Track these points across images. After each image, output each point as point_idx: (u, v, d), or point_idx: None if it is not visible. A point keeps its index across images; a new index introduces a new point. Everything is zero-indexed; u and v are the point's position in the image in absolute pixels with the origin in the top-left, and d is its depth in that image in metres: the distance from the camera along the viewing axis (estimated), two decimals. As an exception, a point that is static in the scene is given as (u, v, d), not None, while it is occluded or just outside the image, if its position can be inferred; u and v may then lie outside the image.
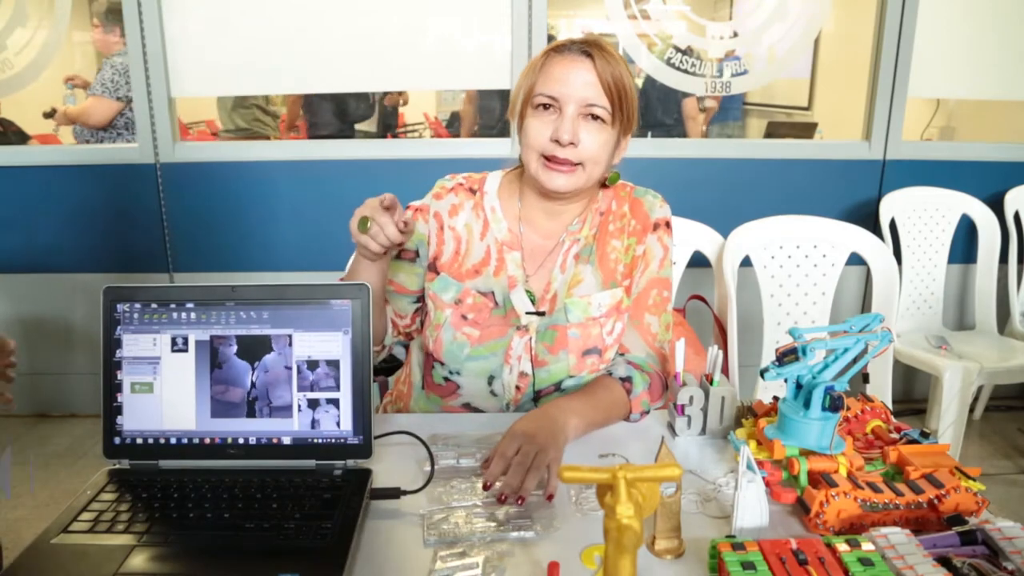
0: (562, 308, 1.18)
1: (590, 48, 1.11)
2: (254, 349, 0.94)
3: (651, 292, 1.21)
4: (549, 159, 1.12)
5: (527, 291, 1.19)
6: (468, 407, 1.21)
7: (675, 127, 3.63)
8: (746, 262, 1.77)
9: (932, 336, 2.48)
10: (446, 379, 1.21)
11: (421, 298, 1.26)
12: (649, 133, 3.60)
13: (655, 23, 2.64)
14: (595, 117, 1.11)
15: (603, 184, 1.23)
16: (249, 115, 3.63)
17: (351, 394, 0.94)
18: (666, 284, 1.23)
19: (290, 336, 0.94)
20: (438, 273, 1.22)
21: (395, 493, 0.87)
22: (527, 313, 1.18)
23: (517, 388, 1.18)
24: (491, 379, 1.18)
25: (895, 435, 0.98)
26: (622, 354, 1.21)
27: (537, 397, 1.19)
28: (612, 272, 1.20)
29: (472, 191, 1.25)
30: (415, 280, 1.25)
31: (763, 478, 0.86)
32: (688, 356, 1.23)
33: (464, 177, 1.27)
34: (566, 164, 1.11)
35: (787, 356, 0.93)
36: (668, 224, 1.24)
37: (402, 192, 1.33)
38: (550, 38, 2.57)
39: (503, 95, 3.20)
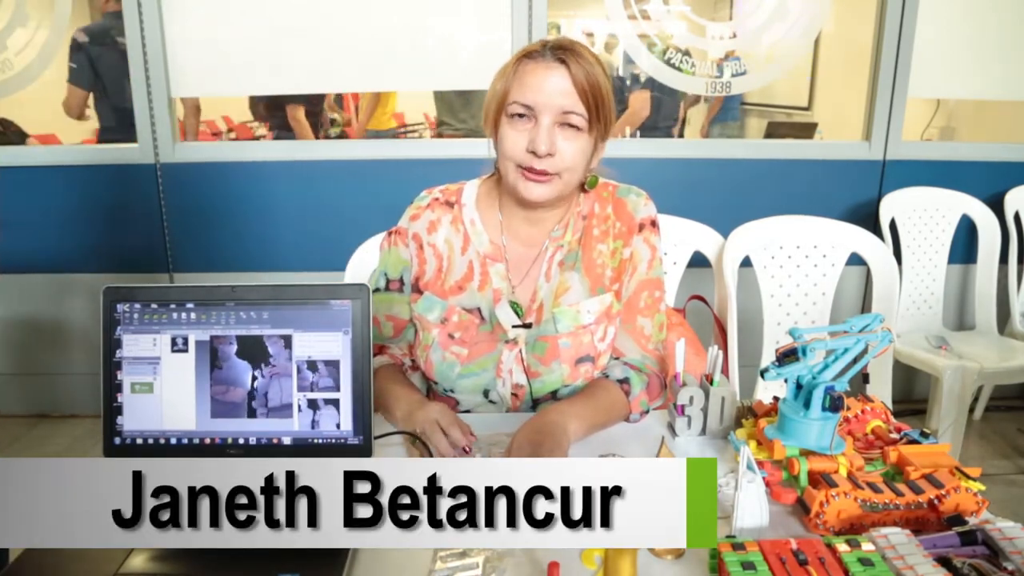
0: (550, 318, 1.16)
1: (565, 54, 1.07)
2: (254, 349, 0.94)
3: (641, 295, 1.20)
4: (526, 169, 1.09)
5: (512, 303, 1.17)
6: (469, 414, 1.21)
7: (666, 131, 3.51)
8: (746, 262, 1.77)
9: (932, 336, 2.48)
10: (444, 394, 1.21)
11: None
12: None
13: (655, 23, 2.63)
14: (571, 125, 1.08)
15: (583, 188, 1.21)
16: (475, 110, 3.45)
17: (351, 394, 0.94)
18: (657, 284, 1.21)
19: (290, 336, 0.94)
20: (422, 293, 1.20)
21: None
22: (513, 326, 1.17)
23: (514, 396, 1.18)
24: (486, 392, 1.18)
25: (895, 435, 0.98)
26: (617, 358, 1.20)
27: (534, 406, 1.18)
28: (599, 277, 1.18)
29: (449, 204, 1.22)
30: (408, 309, 1.23)
31: (763, 478, 0.86)
32: (688, 356, 1.22)
33: (440, 191, 1.24)
34: (543, 175, 1.09)
35: (787, 356, 0.93)
36: (654, 223, 1.21)
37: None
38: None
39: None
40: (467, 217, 1.21)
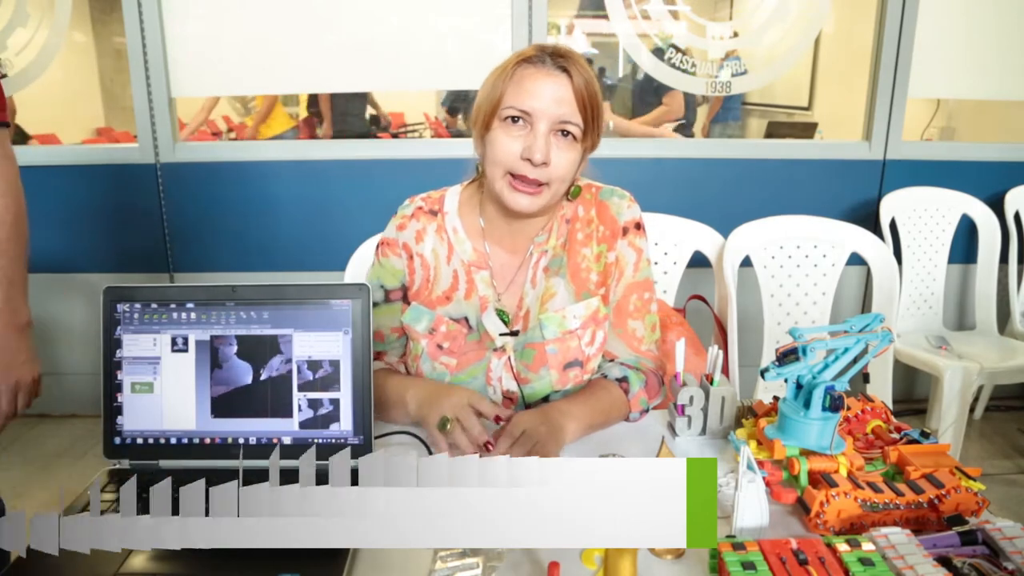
0: (537, 325, 1.15)
1: (566, 63, 1.05)
2: (254, 349, 0.94)
3: (631, 298, 1.19)
4: (516, 177, 1.07)
5: (499, 311, 1.16)
6: None
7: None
8: (746, 262, 1.77)
9: (932, 336, 2.48)
10: None
11: None
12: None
13: (655, 23, 2.64)
14: (566, 134, 1.07)
15: (566, 197, 1.19)
16: None
17: (351, 394, 0.94)
18: (645, 286, 1.20)
19: (290, 336, 0.94)
20: (409, 303, 1.19)
21: (395, 493, 0.87)
22: (501, 334, 1.16)
23: (508, 399, 1.17)
24: None
25: (895, 435, 0.98)
26: (611, 360, 1.20)
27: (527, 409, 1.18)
28: (584, 282, 1.17)
29: (433, 212, 1.20)
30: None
31: (763, 478, 0.86)
32: (688, 356, 1.22)
33: (423, 198, 1.22)
34: (533, 184, 1.07)
35: (787, 356, 0.93)
36: (639, 225, 1.19)
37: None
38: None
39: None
40: (449, 225, 1.19)
